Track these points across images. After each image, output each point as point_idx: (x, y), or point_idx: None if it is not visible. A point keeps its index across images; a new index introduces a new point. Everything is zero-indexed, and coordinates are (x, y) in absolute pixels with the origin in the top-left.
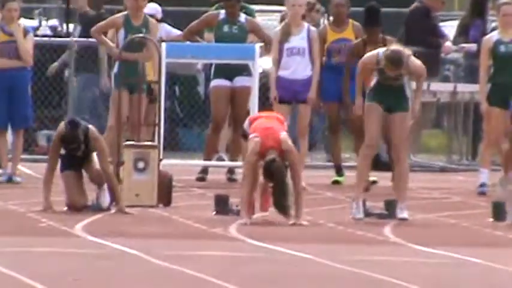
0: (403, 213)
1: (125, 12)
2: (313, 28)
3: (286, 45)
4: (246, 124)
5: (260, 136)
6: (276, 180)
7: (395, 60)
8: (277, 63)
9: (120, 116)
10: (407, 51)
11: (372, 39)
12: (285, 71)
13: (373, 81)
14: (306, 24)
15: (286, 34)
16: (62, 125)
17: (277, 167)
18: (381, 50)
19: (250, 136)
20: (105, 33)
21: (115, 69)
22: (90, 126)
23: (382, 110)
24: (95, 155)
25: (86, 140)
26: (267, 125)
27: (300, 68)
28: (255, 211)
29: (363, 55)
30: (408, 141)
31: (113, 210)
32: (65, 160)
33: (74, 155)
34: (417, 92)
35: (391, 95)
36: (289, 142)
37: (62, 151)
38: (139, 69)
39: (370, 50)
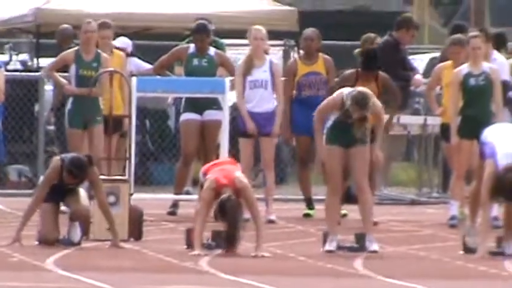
0: (372, 246)
1: (76, 48)
2: (275, 61)
3: (249, 78)
4: (200, 176)
5: (215, 176)
6: (229, 217)
7: (360, 101)
8: (242, 96)
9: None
10: (372, 94)
11: (365, 78)
12: (248, 103)
13: (330, 121)
14: (267, 58)
15: (248, 67)
16: (59, 160)
17: (232, 205)
18: (345, 91)
19: (206, 177)
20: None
21: (68, 105)
22: None
23: (342, 151)
24: (81, 190)
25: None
26: (221, 167)
27: (263, 100)
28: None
29: (354, 85)
30: (376, 173)
31: (84, 244)
32: (49, 192)
33: (63, 188)
34: (377, 137)
35: (350, 132)
36: (243, 180)
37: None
38: (95, 104)
39: (362, 85)
